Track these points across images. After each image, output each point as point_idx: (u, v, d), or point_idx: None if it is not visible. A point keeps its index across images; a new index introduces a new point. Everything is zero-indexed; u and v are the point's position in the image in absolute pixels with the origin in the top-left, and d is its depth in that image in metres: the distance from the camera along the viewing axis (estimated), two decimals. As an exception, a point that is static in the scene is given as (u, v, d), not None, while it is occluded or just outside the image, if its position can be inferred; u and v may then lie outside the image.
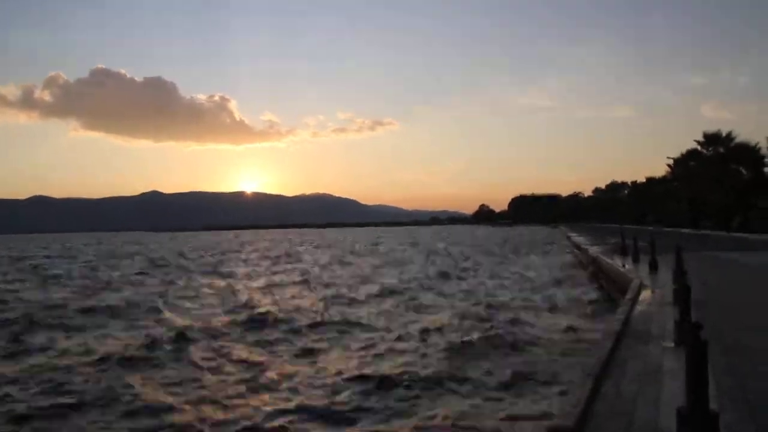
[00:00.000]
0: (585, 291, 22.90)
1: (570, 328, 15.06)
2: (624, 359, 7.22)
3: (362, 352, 13.14)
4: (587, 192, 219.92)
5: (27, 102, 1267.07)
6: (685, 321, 7.99)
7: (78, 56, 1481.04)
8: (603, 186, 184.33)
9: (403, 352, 13.09)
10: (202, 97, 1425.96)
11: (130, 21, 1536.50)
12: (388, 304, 21.00)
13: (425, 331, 15.15)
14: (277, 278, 32.52)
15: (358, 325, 16.68)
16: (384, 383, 10.41)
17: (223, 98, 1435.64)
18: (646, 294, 13.63)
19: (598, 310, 17.76)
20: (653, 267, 18.82)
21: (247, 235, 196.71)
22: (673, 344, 7.86)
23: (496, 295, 23.14)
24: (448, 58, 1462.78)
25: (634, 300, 12.34)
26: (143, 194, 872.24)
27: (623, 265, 21.11)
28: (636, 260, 22.63)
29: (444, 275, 31.91)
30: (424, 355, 12.56)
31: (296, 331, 15.82)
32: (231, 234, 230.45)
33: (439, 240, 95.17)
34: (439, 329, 15.44)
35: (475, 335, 14.32)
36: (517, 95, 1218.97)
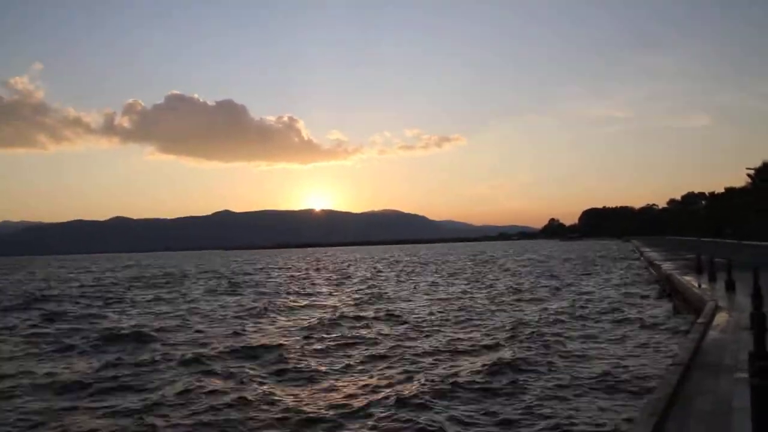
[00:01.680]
0: (654, 314, 21.56)
1: (630, 356, 14.27)
2: (690, 395, 6.75)
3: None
4: (661, 204, 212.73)
5: (108, 128, 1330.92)
6: (760, 352, 7.44)
7: (154, 83, 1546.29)
8: (678, 198, 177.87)
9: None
10: (271, 118, 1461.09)
11: (202, 47, 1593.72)
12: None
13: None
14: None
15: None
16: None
17: (291, 119, 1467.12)
18: (721, 318, 12.81)
19: (668, 335, 16.78)
20: (730, 287, 17.77)
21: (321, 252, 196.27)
22: (747, 377, 7.31)
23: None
24: (515, 70, 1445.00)
25: (707, 325, 11.60)
26: (215, 214, 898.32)
27: (699, 285, 20.03)
28: (712, 279, 21.46)
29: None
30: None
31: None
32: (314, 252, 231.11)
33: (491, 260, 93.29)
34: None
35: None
36: (587, 106, 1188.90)
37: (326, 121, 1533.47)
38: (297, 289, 39.40)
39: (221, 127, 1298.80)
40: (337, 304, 28.77)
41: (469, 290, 34.78)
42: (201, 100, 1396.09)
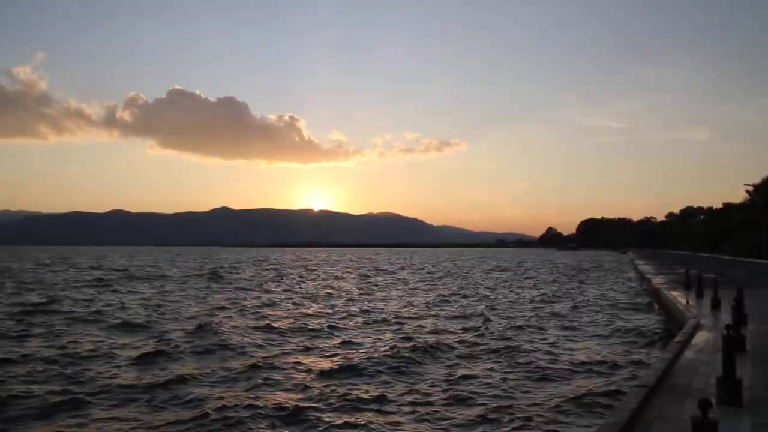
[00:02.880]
0: (641, 331, 20.19)
1: (607, 374, 13.71)
2: (650, 420, 6.28)
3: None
4: (660, 217, 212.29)
5: (109, 121, 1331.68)
6: (728, 377, 6.99)
7: (156, 77, 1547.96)
8: (677, 211, 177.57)
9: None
10: (272, 116, 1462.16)
11: (205, 44, 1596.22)
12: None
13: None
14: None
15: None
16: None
17: (292, 118, 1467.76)
18: (701, 336, 12.34)
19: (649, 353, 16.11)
20: (716, 305, 17.31)
21: (324, 253, 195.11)
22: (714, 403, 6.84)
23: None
24: (517, 79, 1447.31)
25: (684, 343, 11.13)
26: (214, 210, 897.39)
27: (687, 301, 19.57)
28: (700, 295, 21.00)
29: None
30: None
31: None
32: (307, 251, 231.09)
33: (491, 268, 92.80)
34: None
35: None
36: (587, 117, 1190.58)
37: (327, 122, 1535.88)
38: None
39: (222, 124, 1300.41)
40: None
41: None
42: (203, 97, 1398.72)
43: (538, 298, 32.87)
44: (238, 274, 57.29)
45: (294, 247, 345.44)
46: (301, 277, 54.92)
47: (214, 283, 43.95)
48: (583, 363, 14.55)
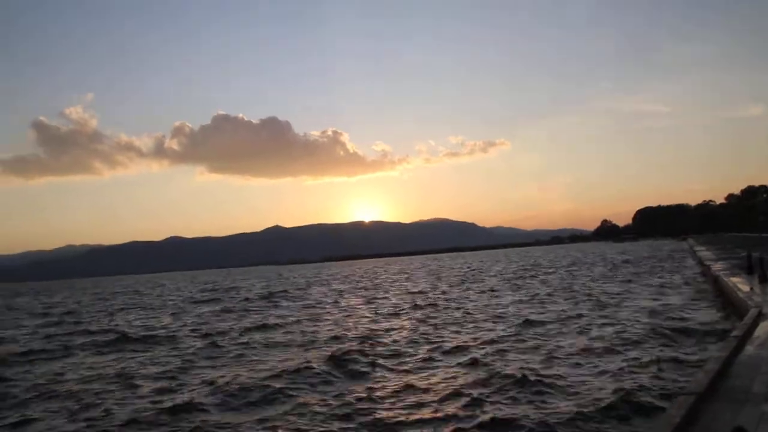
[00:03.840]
0: (696, 323, 17.22)
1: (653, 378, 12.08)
2: (704, 428, 5.42)
3: None
4: (719, 200, 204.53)
5: (158, 151, 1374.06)
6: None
7: (200, 105, 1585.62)
8: (738, 192, 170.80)
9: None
10: (315, 132, 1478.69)
11: (245, 68, 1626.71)
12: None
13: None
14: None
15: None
16: None
17: (335, 132, 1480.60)
18: (764, 328, 11.15)
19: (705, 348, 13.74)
20: (780, 289, 15.97)
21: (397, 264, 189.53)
22: None
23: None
24: (556, 70, 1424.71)
25: (744, 337, 10.00)
26: (266, 229, 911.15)
27: (751, 288, 18.13)
28: (763, 280, 19.53)
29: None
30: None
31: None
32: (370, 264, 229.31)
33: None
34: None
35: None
36: (633, 102, 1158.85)
37: (370, 133, 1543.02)
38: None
39: (267, 144, 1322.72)
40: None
41: None
42: (246, 119, 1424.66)
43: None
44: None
45: (350, 260, 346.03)
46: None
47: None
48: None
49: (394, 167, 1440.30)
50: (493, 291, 36.26)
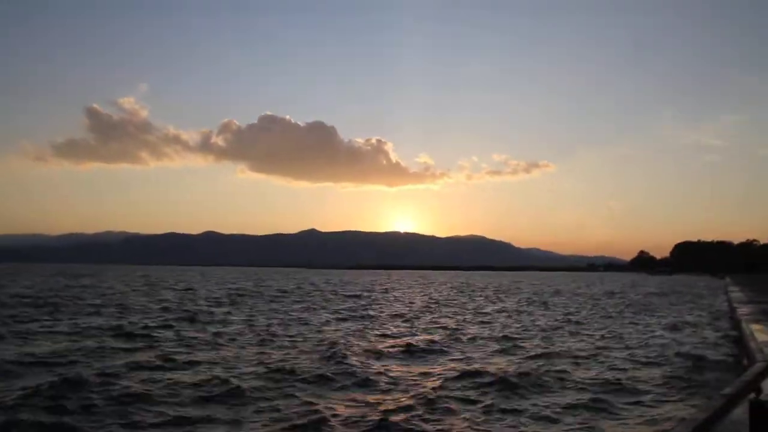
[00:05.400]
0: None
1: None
2: None
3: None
4: (764, 240, 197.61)
5: (204, 146, 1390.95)
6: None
7: (248, 103, 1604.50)
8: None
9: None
10: (359, 140, 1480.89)
11: (295, 70, 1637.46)
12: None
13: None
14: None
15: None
16: None
17: (380, 141, 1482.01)
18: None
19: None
20: (802, 343, 14.22)
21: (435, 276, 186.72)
22: None
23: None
24: (607, 94, 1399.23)
25: (732, 398, 8.45)
26: (301, 232, 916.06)
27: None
28: (788, 329, 17.72)
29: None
30: None
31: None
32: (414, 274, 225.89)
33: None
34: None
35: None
36: (685, 132, 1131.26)
37: (415, 144, 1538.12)
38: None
39: (311, 148, 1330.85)
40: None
41: None
42: (293, 122, 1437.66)
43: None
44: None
45: (381, 269, 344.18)
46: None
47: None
48: None
49: (435, 181, 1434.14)
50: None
